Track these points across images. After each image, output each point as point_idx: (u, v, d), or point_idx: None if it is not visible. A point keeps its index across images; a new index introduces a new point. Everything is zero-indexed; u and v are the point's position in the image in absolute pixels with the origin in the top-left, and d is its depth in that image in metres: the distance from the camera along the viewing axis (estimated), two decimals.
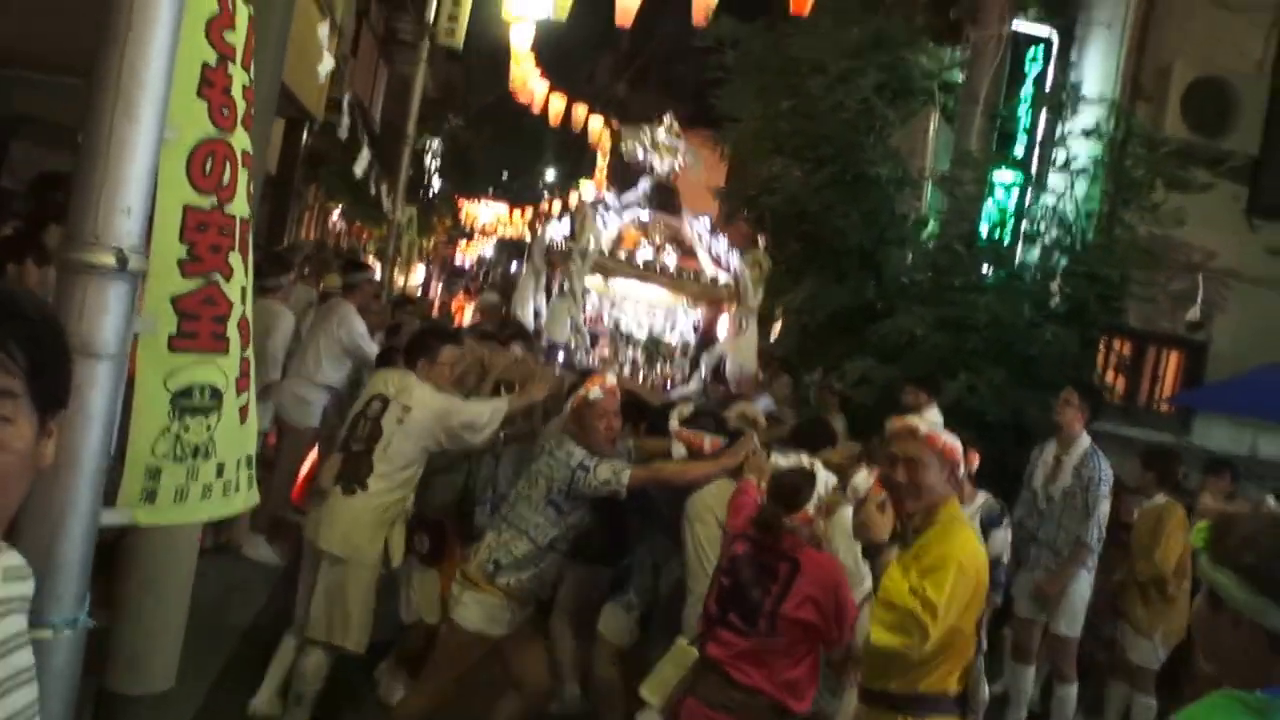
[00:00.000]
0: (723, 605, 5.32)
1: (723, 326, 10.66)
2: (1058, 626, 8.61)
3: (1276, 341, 11.85)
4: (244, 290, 4.11)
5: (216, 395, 3.85)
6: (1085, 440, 8.73)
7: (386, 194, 18.61)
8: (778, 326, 15.81)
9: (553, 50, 21.19)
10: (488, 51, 28.25)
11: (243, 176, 4.04)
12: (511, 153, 42.92)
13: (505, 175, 45.89)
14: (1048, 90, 12.81)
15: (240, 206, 4.05)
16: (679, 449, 6.78)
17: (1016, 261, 12.11)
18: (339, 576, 6.68)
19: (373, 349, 9.83)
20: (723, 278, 10.23)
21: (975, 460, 6.28)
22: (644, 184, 10.50)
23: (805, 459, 5.60)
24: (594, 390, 6.55)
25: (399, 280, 19.95)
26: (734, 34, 13.71)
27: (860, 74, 12.59)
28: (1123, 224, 11.51)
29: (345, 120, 10.97)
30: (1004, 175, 12.55)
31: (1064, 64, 13.18)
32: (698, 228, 10.50)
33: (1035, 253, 12.06)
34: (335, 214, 28.49)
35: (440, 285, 40.63)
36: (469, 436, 6.93)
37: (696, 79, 19.24)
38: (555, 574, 6.75)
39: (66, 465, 3.19)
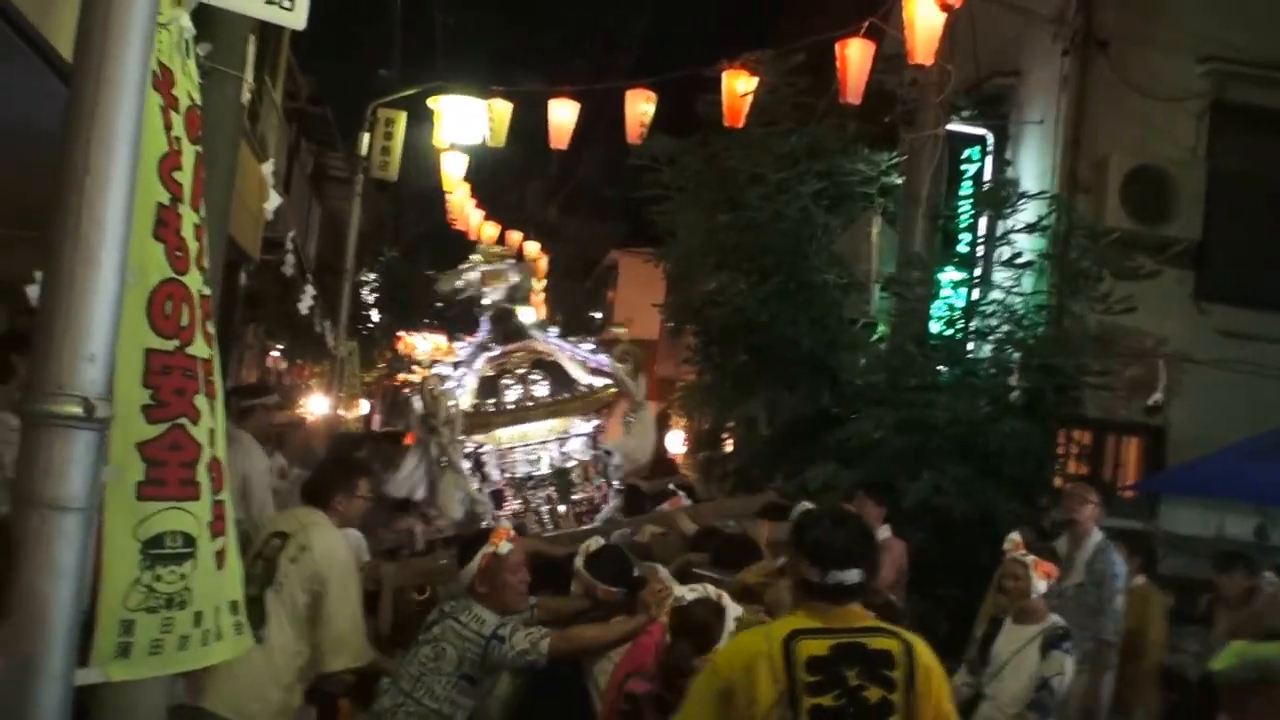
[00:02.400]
0: None
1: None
2: None
3: (1231, 422, 11.88)
4: (213, 432, 4.00)
5: (190, 542, 3.72)
6: (1097, 535, 8.68)
7: (330, 330, 18.52)
8: (729, 442, 15.74)
9: (483, 177, 21.25)
10: (418, 181, 28.33)
11: (200, 317, 3.96)
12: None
13: (441, 305, 45.86)
14: (986, 188, 12.92)
15: (201, 348, 3.97)
16: (577, 587, 6.42)
17: (970, 358, 12.10)
18: None
19: (264, 484, 9.23)
20: (599, 382, 10.02)
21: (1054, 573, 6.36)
22: (484, 323, 10.29)
23: (712, 590, 5.24)
24: (502, 544, 6.13)
25: (344, 414, 19.80)
26: (669, 151, 13.72)
27: (798, 182, 12.63)
28: (1071, 315, 11.53)
29: (291, 259, 10.89)
30: (951, 274, 12.61)
31: (1000, 161, 13.34)
32: (553, 341, 10.30)
33: (988, 349, 12.06)
34: (274, 353, 28.33)
35: (382, 417, 40.43)
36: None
37: (627, 199, 19.28)
38: None
39: (36, 624, 3.06)
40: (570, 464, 9.90)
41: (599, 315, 38.73)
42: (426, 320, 42.36)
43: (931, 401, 10.98)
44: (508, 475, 9.79)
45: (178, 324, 3.77)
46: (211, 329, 4.21)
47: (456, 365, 9.97)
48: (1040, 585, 6.74)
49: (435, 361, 10.88)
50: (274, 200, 7.24)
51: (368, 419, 33.44)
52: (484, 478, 9.73)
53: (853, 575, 4.26)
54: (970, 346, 12.25)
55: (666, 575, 5.98)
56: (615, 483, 9.82)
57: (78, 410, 3.12)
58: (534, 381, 9.83)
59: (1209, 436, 11.88)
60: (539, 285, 35.05)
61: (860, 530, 4.56)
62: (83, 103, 3.20)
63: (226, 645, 4.04)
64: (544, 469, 9.79)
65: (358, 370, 20.03)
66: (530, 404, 9.68)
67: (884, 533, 9.24)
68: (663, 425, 30.02)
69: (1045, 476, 11.64)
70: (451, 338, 46.65)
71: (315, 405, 21.79)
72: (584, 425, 10.01)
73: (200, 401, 3.96)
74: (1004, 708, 6.73)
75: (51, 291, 3.20)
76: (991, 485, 10.83)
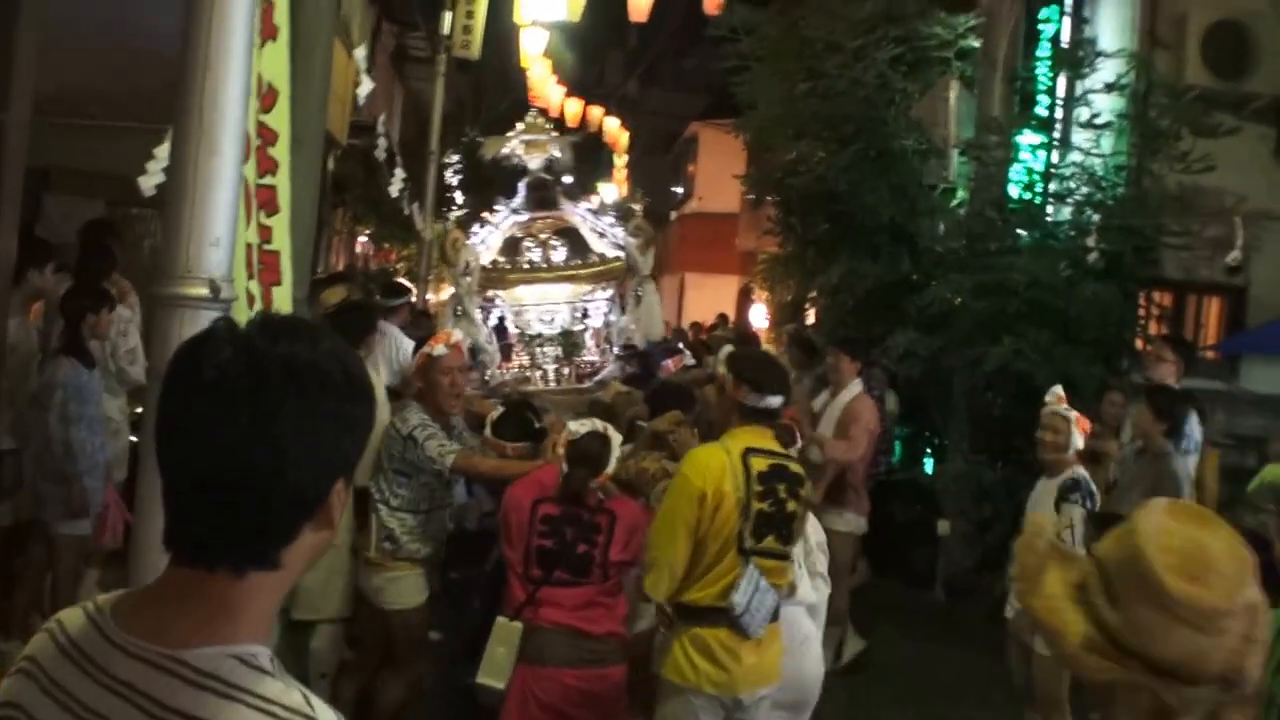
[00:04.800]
0: (546, 566, 5.66)
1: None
2: None
3: None
4: None
5: None
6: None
7: (418, 213, 18.68)
8: (811, 313, 15.88)
9: (562, 53, 21.29)
10: (498, 61, 28.33)
11: (255, 206, 4.31)
12: None
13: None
14: (1065, 48, 12.82)
15: (250, 234, 4.30)
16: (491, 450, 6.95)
17: (1049, 221, 12.12)
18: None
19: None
20: (611, 253, 10.38)
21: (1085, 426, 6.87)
22: (520, 189, 10.65)
23: (599, 424, 5.97)
24: (438, 347, 6.71)
25: (431, 298, 20.00)
26: (747, 21, 13.72)
27: (875, 49, 12.62)
28: (1151, 175, 11.51)
29: (382, 141, 11.10)
30: (1029, 137, 12.59)
31: (1079, 20, 13.18)
32: (580, 211, 10.66)
33: (1067, 211, 12.06)
34: (363, 238, 28.58)
35: None
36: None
37: (707, 71, 19.25)
38: (444, 528, 6.92)
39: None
40: (580, 328, 10.38)
41: (680, 190, 38.58)
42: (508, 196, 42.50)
43: (1011, 265, 11.05)
44: (519, 331, 10.30)
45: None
46: (270, 220, 4.51)
47: (483, 224, 10.45)
48: (1078, 441, 7.00)
49: (457, 216, 11.38)
50: (366, 85, 7.42)
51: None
52: (500, 332, 10.29)
53: (777, 400, 5.37)
54: (1049, 210, 12.25)
55: (575, 428, 6.24)
56: (615, 349, 10.31)
57: (204, 292, 3.31)
58: (553, 247, 10.28)
59: None
60: (620, 161, 35.15)
61: (781, 368, 5.88)
62: (201, 7, 3.33)
63: None
64: (555, 329, 10.28)
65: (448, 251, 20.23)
66: (544, 266, 10.13)
67: (855, 388, 9.55)
68: (744, 299, 30.15)
69: (1126, 339, 11.70)
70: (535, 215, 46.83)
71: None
72: (603, 294, 10.46)
73: (253, 287, 4.33)
74: None
75: (176, 180, 3.36)
76: (1072, 349, 10.93)
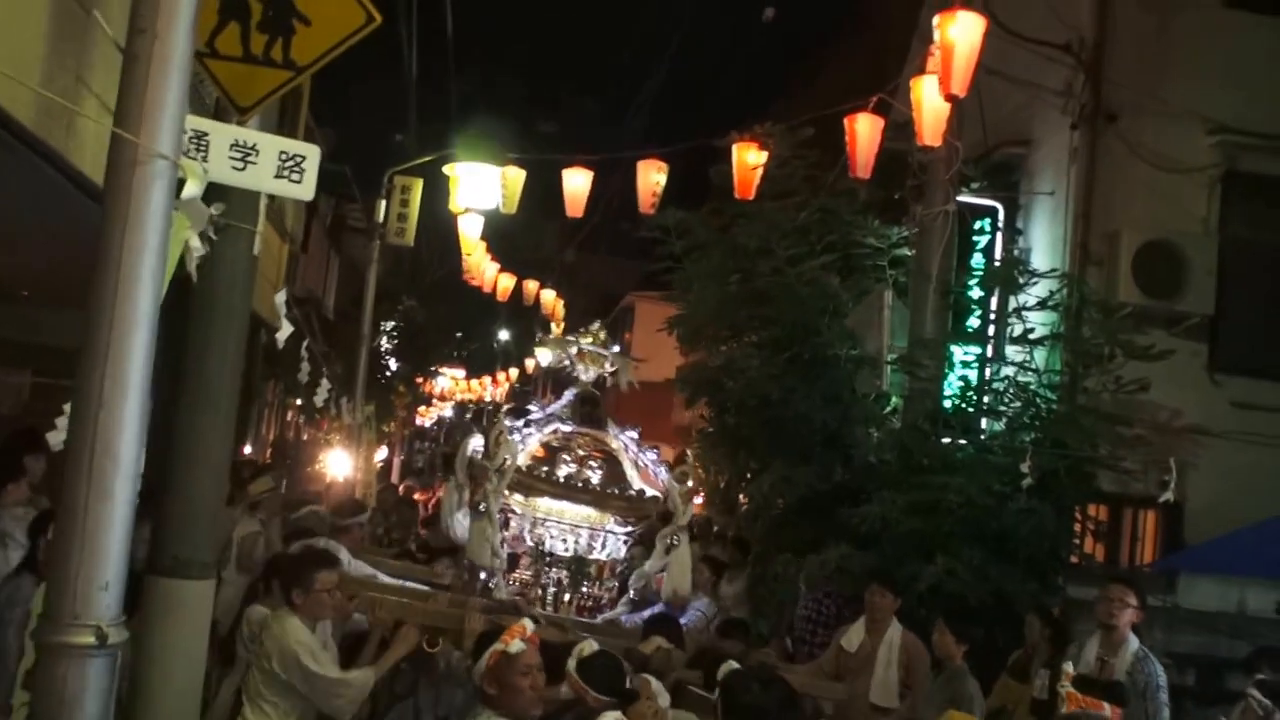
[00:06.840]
0: None
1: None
2: None
3: (1248, 492, 11.94)
4: None
5: None
6: (1134, 641, 8.13)
7: (347, 406, 18.44)
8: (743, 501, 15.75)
9: (499, 225, 21.27)
10: (435, 231, 28.42)
11: None
12: (465, 320, 42.83)
13: (460, 335, 45.59)
14: (998, 259, 12.95)
15: None
16: (566, 690, 6.14)
17: (983, 435, 12.06)
18: None
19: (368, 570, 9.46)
20: (650, 492, 10.06)
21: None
22: (569, 395, 10.40)
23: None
24: (514, 643, 5.70)
25: (362, 465, 19.57)
26: (681, 224, 13.77)
27: (809, 255, 12.65)
28: (1086, 392, 11.53)
29: (305, 367, 10.89)
30: (962, 352, 12.63)
31: (1011, 232, 13.35)
32: (624, 439, 10.34)
33: (999, 424, 12.03)
34: (293, 411, 28.35)
35: (402, 458, 40.26)
36: (321, 698, 6.57)
37: (643, 238, 19.32)
38: None
39: None
40: (593, 557, 9.94)
41: (617, 349, 38.77)
42: (451, 352, 42.41)
43: (945, 485, 10.92)
44: (531, 544, 9.87)
45: None
46: None
47: (527, 424, 10.06)
48: None
49: (508, 409, 10.95)
50: (286, 329, 7.25)
51: (387, 465, 33.27)
52: (507, 538, 9.82)
53: None
54: (984, 423, 12.21)
55: (659, 689, 5.91)
56: (631, 593, 9.87)
57: (91, 640, 3.30)
58: (591, 467, 9.89)
59: (1226, 508, 11.92)
60: (557, 329, 35.24)
61: (785, 693, 5.05)
62: (98, 343, 3.39)
63: None
64: (567, 552, 9.86)
65: (374, 433, 19.93)
66: (579, 486, 9.75)
67: (897, 625, 9.27)
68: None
69: (1060, 555, 11.58)
70: (470, 374, 46.72)
71: (334, 461, 21.49)
72: (619, 527, 10.04)
73: None
74: None
75: (65, 524, 3.37)
76: (1006, 567, 10.78)
